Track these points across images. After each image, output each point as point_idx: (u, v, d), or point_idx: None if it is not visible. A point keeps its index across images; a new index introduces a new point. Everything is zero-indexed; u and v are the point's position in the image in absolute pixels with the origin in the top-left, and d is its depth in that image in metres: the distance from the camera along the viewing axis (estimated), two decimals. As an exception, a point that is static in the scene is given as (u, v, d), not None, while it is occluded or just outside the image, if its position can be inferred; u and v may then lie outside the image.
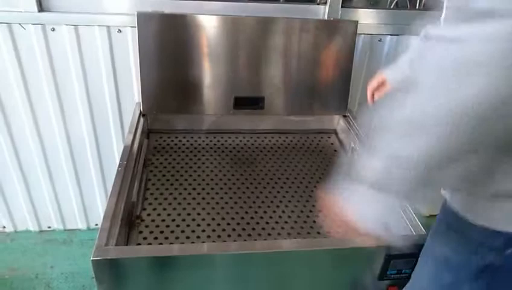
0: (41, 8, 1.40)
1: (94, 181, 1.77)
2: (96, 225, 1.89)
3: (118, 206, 0.96)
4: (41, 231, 1.86)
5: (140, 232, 0.98)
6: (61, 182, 1.76)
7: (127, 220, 0.99)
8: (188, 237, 0.97)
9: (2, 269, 1.67)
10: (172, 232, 0.97)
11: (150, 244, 0.93)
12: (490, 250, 0.68)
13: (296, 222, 1.05)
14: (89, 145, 1.67)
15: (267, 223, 1.03)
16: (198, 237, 0.95)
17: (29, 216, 1.81)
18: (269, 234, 1.00)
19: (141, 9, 1.32)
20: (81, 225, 1.87)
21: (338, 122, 1.50)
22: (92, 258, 0.83)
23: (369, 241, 0.97)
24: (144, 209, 1.04)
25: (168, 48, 1.33)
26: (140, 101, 1.37)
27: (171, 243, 0.91)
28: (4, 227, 1.83)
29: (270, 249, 0.87)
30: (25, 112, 1.55)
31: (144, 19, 1.29)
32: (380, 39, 1.61)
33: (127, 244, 0.96)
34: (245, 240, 0.95)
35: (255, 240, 0.96)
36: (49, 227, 1.86)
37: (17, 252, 1.75)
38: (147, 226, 1.00)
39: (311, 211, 1.08)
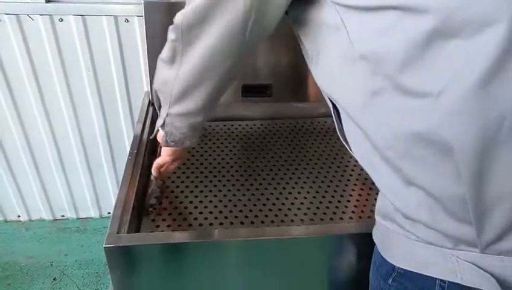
0: (48, -1, 1.41)
1: (105, 170, 1.79)
2: (109, 213, 1.91)
3: (129, 195, 0.97)
4: (55, 220, 1.89)
5: (153, 220, 0.99)
6: (74, 172, 1.78)
7: (139, 208, 1.00)
8: (200, 225, 0.97)
9: (18, 257, 1.71)
10: (185, 219, 0.98)
11: (158, 226, 0.94)
12: (381, 278, 0.68)
13: (309, 208, 1.05)
14: (99, 135, 1.68)
15: (280, 209, 1.03)
16: (211, 224, 0.96)
17: (43, 205, 1.84)
18: (282, 221, 1.00)
19: (147, -2, 1.32)
20: (94, 214, 1.90)
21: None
22: (104, 246, 0.84)
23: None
24: (156, 197, 1.06)
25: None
26: (149, 90, 1.37)
27: (183, 230, 0.92)
28: (19, 216, 1.86)
29: (282, 236, 0.88)
30: (35, 103, 1.57)
31: (150, 8, 1.29)
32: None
33: (139, 232, 0.97)
34: (258, 227, 0.96)
35: (268, 226, 0.97)
36: (63, 216, 1.90)
37: (32, 241, 1.79)
38: (159, 214, 1.01)
39: (323, 197, 1.08)
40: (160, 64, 0.79)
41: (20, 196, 1.81)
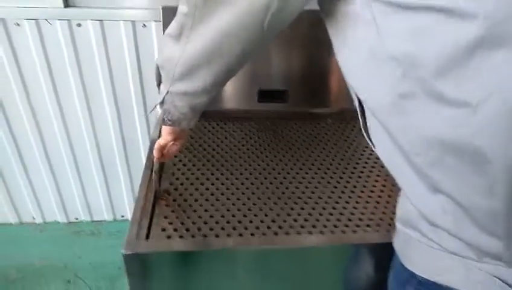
0: (67, 4, 1.42)
1: (120, 174, 1.80)
2: (123, 216, 1.92)
3: (148, 200, 0.98)
4: (69, 223, 1.90)
5: (166, 217, 0.98)
6: (88, 175, 1.79)
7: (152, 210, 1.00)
8: (211, 229, 0.96)
9: (33, 258, 1.73)
10: (194, 223, 0.97)
11: (176, 230, 0.94)
12: (400, 285, 0.68)
13: (321, 214, 1.04)
14: (114, 139, 1.69)
15: (299, 214, 1.02)
16: (222, 228, 0.95)
17: (57, 208, 1.86)
18: (302, 227, 0.99)
19: (166, 4, 1.33)
20: (108, 217, 1.91)
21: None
22: (122, 252, 0.84)
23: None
24: (168, 192, 1.06)
25: (192, 41, 1.34)
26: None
27: (204, 236, 0.92)
28: (34, 218, 1.88)
29: (295, 245, 0.88)
30: (52, 107, 1.59)
31: (169, 13, 1.30)
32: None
33: (150, 227, 0.96)
34: (276, 234, 0.95)
35: (287, 233, 0.96)
36: (77, 219, 1.91)
37: (46, 243, 1.80)
38: (167, 205, 1.00)
39: (337, 203, 1.07)
40: (166, 39, 0.76)
41: (35, 199, 1.82)
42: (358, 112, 0.71)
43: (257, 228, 0.96)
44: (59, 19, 1.43)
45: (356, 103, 0.70)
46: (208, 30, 0.67)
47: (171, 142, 0.94)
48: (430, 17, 0.51)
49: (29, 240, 1.82)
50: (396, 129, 0.60)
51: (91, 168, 1.77)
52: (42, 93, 1.55)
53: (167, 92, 0.79)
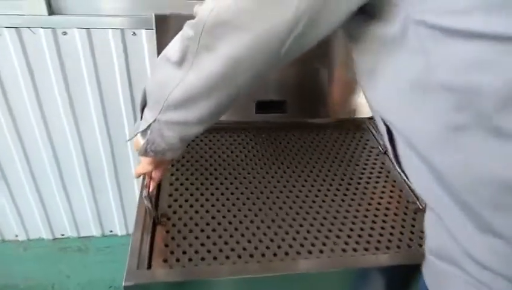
0: (51, 11, 1.33)
1: (109, 187, 1.72)
2: (111, 231, 1.84)
3: (146, 227, 0.91)
4: (54, 239, 1.81)
5: (166, 245, 0.92)
6: (74, 188, 1.71)
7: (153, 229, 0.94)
8: (215, 258, 0.91)
9: (16, 279, 1.64)
10: (190, 245, 0.91)
11: (178, 260, 0.88)
12: None
13: (338, 237, 0.99)
14: (103, 152, 1.61)
15: (305, 238, 0.97)
16: (227, 257, 0.89)
17: (42, 224, 1.76)
18: (311, 250, 0.94)
19: (158, 11, 1.26)
20: (96, 232, 1.83)
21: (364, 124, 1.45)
22: (124, 284, 0.78)
23: (411, 257, 0.93)
24: (167, 216, 0.99)
25: (186, 51, 1.27)
26: (159, 107, 1.31)
27: (208, 264, 0.86)
28: (17, 236, 1.78)
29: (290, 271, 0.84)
30: (35, 119, 1.50)
31: (162, 21, 1.23)
32: (404, 36, 1.55)
33: (152, 245, 0.90)
34: (270, 261, 0.90)
35: (271, 261, 0.90)
36: (63, 235, 1.82)
37: (31, 262, 1.71)
38: (167, 232, 0.94)
39: (343, 224, 1.03)
40: (162, 63, 0.69)
41: (18, 214, 1.73)
42: (386, 140, 0.65)
43: (263, 255, 0.91)
44: (43, 27, 1.34)
45: (384, 130, 0.65)
46: (216, 58, 0.61)
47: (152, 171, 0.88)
48: (495, 46, 0.46)
49: (12, 258, 1.72)
50: (443, 165, 0.55)
51: (78, 181, 1.69)
52: (25, 105, 1.46)
53: (154, 120, 0.72)
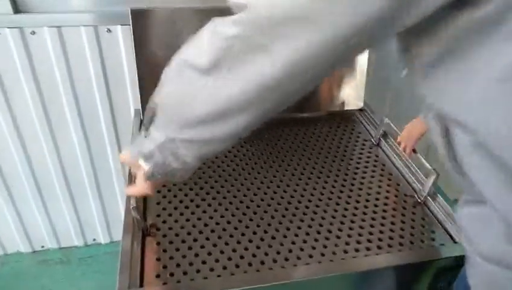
0: (17, 9, 1.24)
1: (89, 194, 1.63)
2: (94, 240, 1.75)
3: (135, 239, 0.84)
4: (34, 252, 1.71)
5: (158, 259, 0.85)
6: (53, 198, 1.61)
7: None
8: (211, 270, 0.85)
9: (-6, 298, 1.54)
10: (184, 257, 0.85)
11: (172, 274, 0.81)
12: None
13: (316, 240, 0.94)
14: (81, 157, 1.52)
15: (305, 241, 0.92)
16: (224, 267, 0.83)
17: (20, 237, 1.66)
18: (311, 254, 0.89)
19: (134, 5, 1.18)
20: (78, 242, 1.74)
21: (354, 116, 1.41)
22: (114, 306, 0.71)
23: (416, 255, 0.89)
24: (156, 227, 0.92)
25: (166, 47, 1.20)
26: (140, 107, 1.23)
27: (205, 278, 0.80)
28: (-7, 251, 1.68)
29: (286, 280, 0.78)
30: (6, 126, 1.40)
31: (138, 16, 1.15)
32: (390, 24, 1.51)
33: (142, 260, 0.83)
34: (275, 261, 0.85)
35: (294, 265, 0.85)
36: (43, 247, 1.72)
37: (10, 278, 1.61)
38: (158, 244, 0.87)
39: (352, 222, 0.98)
40: (180, 68, 0.58)
41: (-7, 228, 1.63)
42: (442, 142, 0.57)
43: (262, 263, 0.85)
44: (8, 27, 1.24)
45: (438, 128, 0.56)
46: (273, 61, 0.49)
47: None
48: None
49: (-12, 275, 1.62)
50: None
51: (55, 189, 1.59)
52: (-7, 111, 1.36)
53: (170, 139, 0.61)
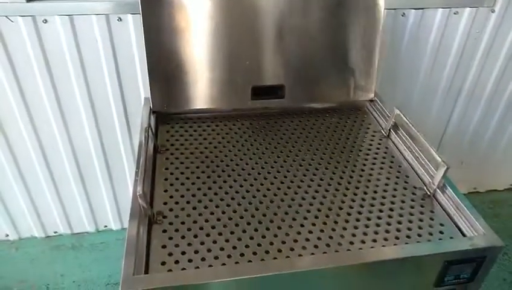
0: (29, -3, 1.25)
1: (100, 181, 1.65)
2: (106, 226, 1.78)
3: (141, 227, 0.85)
4: (47, 237, 1.75)
5: (164, 246, 0.86)
6: (65, 185, 1.64)
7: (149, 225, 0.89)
8: (209, 250, 0.85)
9: (9, 281, 1.57)
10: (189, 245, 0.86)
11: (177, 262, 0.82)
12: None
13: (345, 228, 0.94)
14: (92, 145, 1.54)
15: (311, 231, 0.92)
16: (229, 256, 0.83)
17: (33, 222, 1.70)
18: (317, 244, 0.89)
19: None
20: (90, 228, 1.77)
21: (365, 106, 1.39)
22: (120, 291, 0.72)
23: (424, 249, 0.88)
24: (163, 214, 0.93)
25: (176, 35, 1.19)
26: (150, 96, 1.23)
27: (210, 265, 0.80)
28: (7, 235, 1.72)
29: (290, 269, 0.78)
30: (20, 115, 1.42)
31: (148, 4, 1.15)
32: (404, 13, 1.48)
33: (148, 247, 0.84)
34: (280, 251, 0.85)
35: (300, 255, 0.85)
36: (56, 232, 1.76)
37: (24, 262, 1.65)
38: (164, 231, 0.88)
39: (359, 213, 0.97)
40: None
41: (7, 213, 1.66)
42: None
43: (267, 252, 0.85)
44: (21, 15, 1.25)
45: None
46: None
47: None
48: None
49: (3, 260, 1.66)
50: None
51: (68, 176, 1.62)
52: (7, 99, 1.38)
53: None
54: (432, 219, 0.97)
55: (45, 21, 1.27)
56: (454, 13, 1.52)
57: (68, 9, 1.26)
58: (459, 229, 0.94)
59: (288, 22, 1.25)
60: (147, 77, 1.22)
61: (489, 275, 1.68)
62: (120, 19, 1.30)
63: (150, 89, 1.23)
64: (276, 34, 1.26)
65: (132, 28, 1.32)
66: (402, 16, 1.48)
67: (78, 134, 1.51)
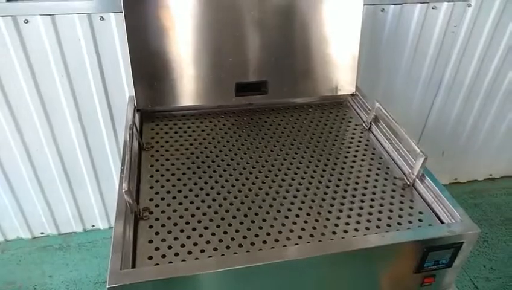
0: (9, -3, 1.24)
1: (87, 181, 1.65)
2: (93, 226, 1.79)
3: (127, 223, 0.86)
4: (34, 238, 1.74)
5: (150, 241, 0.87)
6: (51, 185, 1.64)
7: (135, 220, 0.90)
8: (202, 251, 0.87)
9: (-4, 283, 1.57)
10: (176, 239, 0.87)
11: (163, 256, 0.84)
12: None
13: (328, 219, 0.96)
14: (78, 144, 1.55)
15: (285, 219, 0.94)
16: (215, 249, 0.85)
17: (19, 223, 1.69)
18: (301, 235, 0.91)
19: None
20: (77, 228, 1.77)
21: (346, 101, 1.42)
22: (107, 286, 0.73)
23: (404, 236, 0.91)
24: (149, 210, 0.94)
25: (159, 33, 1.20)
26: (134, 94, 1.24)
27: (196, 258, 0.82)
28: (-7, 237, 1.71)
29: (278, 259, 0.80)
30: (3, 116, 1.42)
31: (130, 3, 1.15)
32: (383, 9, 1.51)
33: (135, 242, 0.86)
34: (265, 242, 0.87)
35: (284, 246, 0.87)
36: (42, 233, 1.75)
37: (11, 264, 1.64)
38: (150, 227, 0.89)
39: (342, 204, 1.00)
40: None
41: (-7, 215, 1.66)
42: None
43: (252, 244, 0.87)
44: (2, 15, 1.25)
45: None
46: None
47: None
48: None
49: (-10, 261, 1.65)
50: None
51: (53, 176, 1.62)
52: (-10, 100, 1.38)
53: None
54: (411, 208, 1.00)
55: (26, 21, 1.27)
56: (433, 8, 1.55)
57: (49, 8, 1.26)
58: (438, 217, 0.97)
59: (271, 19, 1.27)
60: (131, 76, 1.23)
61: (470, 262, 1.75)
62: (102, 18, 1.30)
63: (134, 87, 1.24)
64: (259, 31, 1.27)
65: (115, 27, 1.32)
66: (381, 11, 1.51)
67: (62, 134, 1.51)
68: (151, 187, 1.01)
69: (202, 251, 0.85)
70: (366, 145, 1.22)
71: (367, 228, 0.94)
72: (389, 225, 0.95)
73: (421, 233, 0.91)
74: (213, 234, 0.89)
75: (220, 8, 1.22)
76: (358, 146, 1.22)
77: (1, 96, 1.37)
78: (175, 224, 0.90)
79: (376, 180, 1.08)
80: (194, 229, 0.89)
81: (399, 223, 0.95)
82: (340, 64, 1.36)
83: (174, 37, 1.21)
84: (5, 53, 1.30)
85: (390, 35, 1.58)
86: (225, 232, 0.89)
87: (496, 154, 2.12)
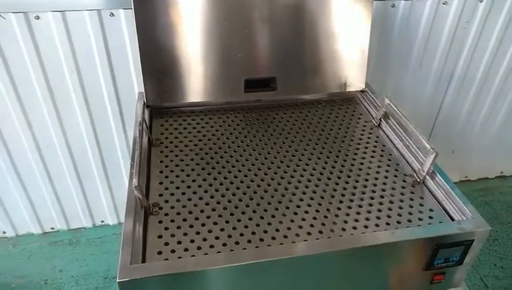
0: (21, -6, 1.25)
1: (96, 177, 1.66)
2: (102, 221, 1.80)
3: (137, 218, 0.87)
4: (44, 233, 1.76)
5: (160, 236, 0.87)
6: (61, 181, 1.65)
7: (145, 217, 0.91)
8: (211, 246, 0.87)
9: (8, 277, 1.59)
10: (185, 234, 0.88)
11: (173, 251, 0.84)
12: None
13: (326, 216, 0.96)
14: (87, 140, 1.55)
15: (294, 215, 0.94)
16: (224, 244, 0.86)
17: (30, 218, 1.71)
18: (310, 231, 0.91)
19: (135, -11, 1.19)
20: (86, 223, 1.78)
21: (356, 97, 1.41)
22: (118, 281, 0.74)
23: (414, 233, 0.90)
24: (158, 206, 0.94)
25: (168, 30, 1.21)
26: (144, 90, 1.25)
27: (205, 253, 0.82)
28: (4, 232, 1.73)
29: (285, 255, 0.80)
30: (15, 112, 1.43)
31: (140, 0, 1.15)
32: (393, 5, 1.50)
33: (145, 237, 0.86)
34: (274, 239, 0.87)
35: (293, 242, 0.87)
36: (53, 228, 1.77)
37: (21, 258, 1.66)
38: (160, 222, 0.90)
39: (351, 201, 0.99)
40: None
41: (4, 211, 1.67)
42: None
43: (261, 240, 0.87)
44: (13, 12, 1.26)
45: None
46: None
47: None
48: None
49: (1, 256, 1.67)
50: None
51: (64, 172, 1.63)
52: (1, 96, 1.39)
53: None
54: (421, 205, 0.99)
55: (37, 17, 1.27)
56: (444, 3, 1.54)
57: (60, 5, 1.26)
58: (448, 214, 0.96)
59: (280, 15, 1.26)
60: (141, 72, 1.23)
61: (480, 260, 1.73)
62: (112, 14, 1.31)
63: (144, 83, 1.24)
64: (268, 27, 1.27)
65: (124, 23, 1.33)
66: (392, 6, 1.50)
67: (72, 129, 1.52)
68: (161, 183, 1.01)
69: (211, 246, 0.85)
70: (376, 142, 1.21)
71: (376, 225, 0.93)
72: (399, 222, 0.94)
73: (431, 230, 0.90)
74: (222, 230, 0.89)
75: (229, 5, 1.22)
76: (368, 143, 1.21)
77: (12, 92, 1.38)
78: (184, 219, 0.91)
79: (386, 177, 1.08)
80: (203, 225, 0.90)
81: (409, 220, 0.95)
82: (350, 60, 1.35)
83: (184, 34, 1.21)
84: (16, 49, 1.31)
85: (401, 31, 1.57)
86: (234, 228, 0.89)
87: (507, 152, 2.10)
